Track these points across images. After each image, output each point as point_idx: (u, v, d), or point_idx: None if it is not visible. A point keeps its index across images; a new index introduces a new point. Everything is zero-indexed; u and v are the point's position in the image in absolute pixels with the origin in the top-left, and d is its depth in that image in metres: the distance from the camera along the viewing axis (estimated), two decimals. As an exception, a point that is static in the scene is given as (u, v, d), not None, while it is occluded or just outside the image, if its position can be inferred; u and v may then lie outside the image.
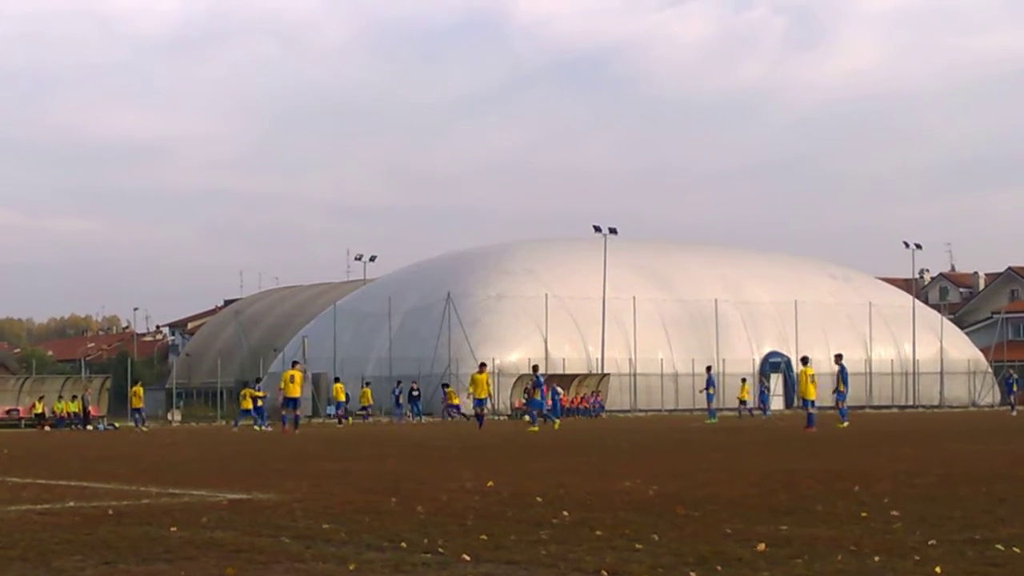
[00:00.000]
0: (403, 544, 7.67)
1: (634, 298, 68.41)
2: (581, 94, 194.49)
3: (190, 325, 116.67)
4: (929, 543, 7.44)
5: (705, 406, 50.55)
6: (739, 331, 73.05)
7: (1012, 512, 9.26)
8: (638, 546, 7.44)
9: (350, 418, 52.50)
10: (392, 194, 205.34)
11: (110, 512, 9.99)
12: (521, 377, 55.58)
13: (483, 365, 40.39)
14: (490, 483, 12.48)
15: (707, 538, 7.78)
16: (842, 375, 34.81)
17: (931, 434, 27.71)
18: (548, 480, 13.03)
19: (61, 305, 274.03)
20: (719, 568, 6.58)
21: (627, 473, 14.01)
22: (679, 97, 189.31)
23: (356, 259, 72.56)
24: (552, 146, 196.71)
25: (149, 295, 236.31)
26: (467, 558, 7.05)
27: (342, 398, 53.32)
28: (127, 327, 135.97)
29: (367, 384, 58.10)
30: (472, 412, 38.02)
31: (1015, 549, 7.17)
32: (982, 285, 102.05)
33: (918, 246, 76.62)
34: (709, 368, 52.53)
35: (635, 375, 68.50)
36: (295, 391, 36.53)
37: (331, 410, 62.13)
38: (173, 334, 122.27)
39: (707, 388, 49.67)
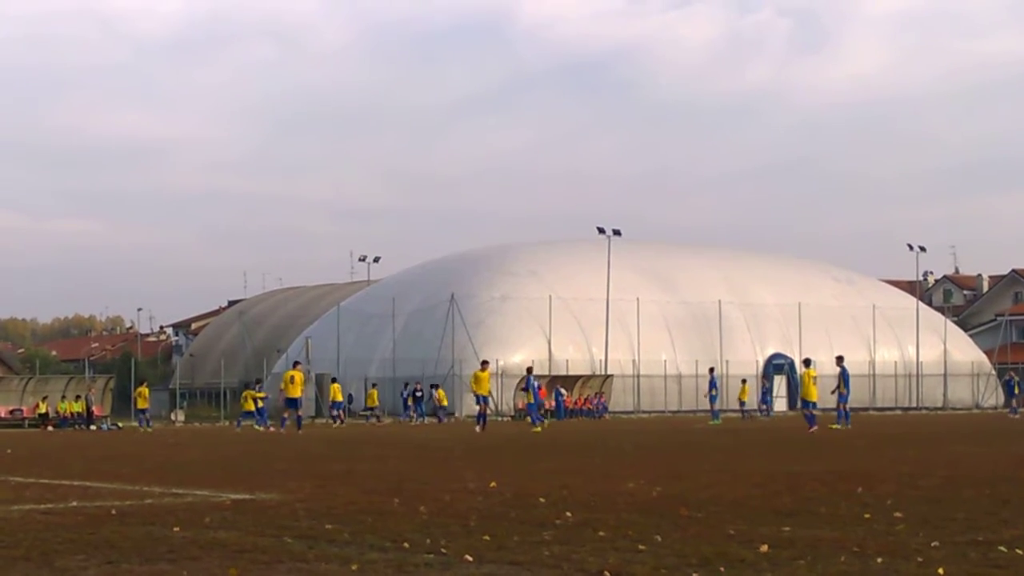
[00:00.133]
0: (406, 544, 7.67)
1: (638, 299, 68.40)
2: (584, 97, 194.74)
3: (194, 326, 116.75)
4: (932, 545, 7.44)
5: (708, 408, 50.69)
6: (743, 333, 73.03)
7: (1015, 514, 9.25)
8: (641, 547, 7.44)
9: (338, 419, 52.26)
10: (393, 196, 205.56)
11: (113, 512, 9.99)
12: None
13: (485, 363, 40.41)
14: (493, 484, 12.48)
15: (710, 539, 7.78)
16: (843, 377, 34.82)
17: (935, 436, 27.70)
18: (551, 481, 13.03)
19: (65, 305, 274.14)
20: (722, 569, 6.58)
21: (630, 474, 14.00)
22: (683, 100, 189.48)
23: (360, 260, 72.63)
24: (554, 149, 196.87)
25: (153, 296, 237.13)
26: (470, 559, 7.05)
27: (340, 398, 53.28)
28: (131, 327, 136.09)
29: (373, 385, 58.14)
30: (478, 411, 37.79)
31: (1018, 551, 7.17)
32: (986, 287, 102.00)
33: (922, 248, 76.64)
34: (712, 370, 52.61)
35: (639, 376, 68.48)
36: (295, 392, 36.56)
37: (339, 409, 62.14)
38: (177, 335, 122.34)
39: (710, 390, 49.72)
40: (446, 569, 6.71)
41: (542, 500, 10.61)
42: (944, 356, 77.13)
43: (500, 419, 55.61)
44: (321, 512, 9.77)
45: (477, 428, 35.02)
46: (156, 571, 6.75)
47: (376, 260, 71.16)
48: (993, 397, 76.62)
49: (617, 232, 67.89)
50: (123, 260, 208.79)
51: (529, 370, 40.90)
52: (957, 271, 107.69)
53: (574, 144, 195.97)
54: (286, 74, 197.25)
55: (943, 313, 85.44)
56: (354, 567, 6.78)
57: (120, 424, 53.62)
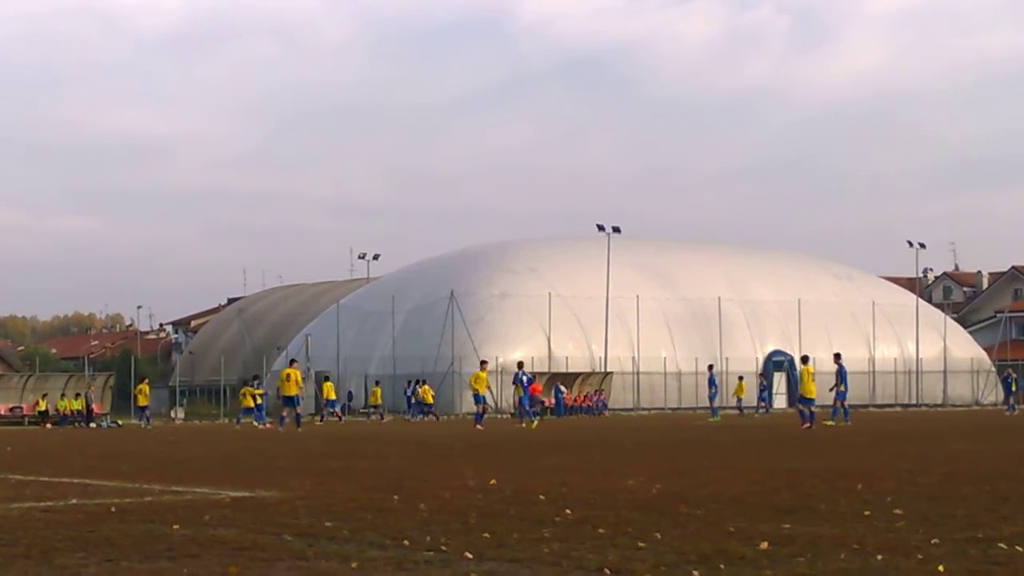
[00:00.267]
0: (406, 542, 7.67)
1: (637, 296, 68.40)
2: (584, 94, 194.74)
3: (193, 323, 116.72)
4: (932, 542, 7.44)
5: (708, 405, 50.76)
6: (742, 330, 73.04)
7: (1015, 511, 9.25)
8: (641, 544, 7.43)
9: (332, 416, 52.20)
10: (393, 193, 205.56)
11: (113, 510, 9.99)
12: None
13: (484, 363, 40.62)
14: (493, 481, 12.48)
15: (710, 536, 7.78)
16: (841, 374, 34.80)
17: (934, 433, 27.70)
18: (551, 478, 13.03)
19: (65, 303, 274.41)
20: (722, 566, 6.58)
21: (630, 471, 14.00)
22: (683, 97, 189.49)
23: (360, 257, 72.63)
24: (554, 145, 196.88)
25: (152, 293, 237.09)
26: (469, 556, 7.05)
27: (332, 396, 53.19)
28: (131, 325, 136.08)
29: (377, 383, 58.10)
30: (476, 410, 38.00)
31: (1018, 548, 7.17)
32: (985, 284, 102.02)
33: (922, 245, 76.70)
34: (711, 367, 52.64)
35: (638, 374, 68.49)
36: (291, 389, 36.59)
37: (335, 407, 62.09)
38: (176, 332, 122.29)
39: (710, 387, 49.76)
40: (446, 566, 6.71)
41: (542, 497, 10.61)
42: (944, 353, 77.16)
43: (500, 416, 55.60)
44: (321, 509, 9.77)
45: (478, 426, 35.14)
46: (156, 569, 6.75)
47: (376, 257, 71.20)
48: (993, 394, 76.60)
49: (617, 229, 67.91)
50: (123, 257, 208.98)
51: (520, 365, 40.95)
52: (957, 268, 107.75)
53: (574, 141, 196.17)
54: (286, 71, 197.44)
55: (943, 310, 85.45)
56: (354, 565, 6.78)
57: (120, 422, 53.62)
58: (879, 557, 6.85)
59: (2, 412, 54.63)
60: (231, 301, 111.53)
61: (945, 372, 76.50)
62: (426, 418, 52.75)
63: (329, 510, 9.71)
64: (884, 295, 79.75)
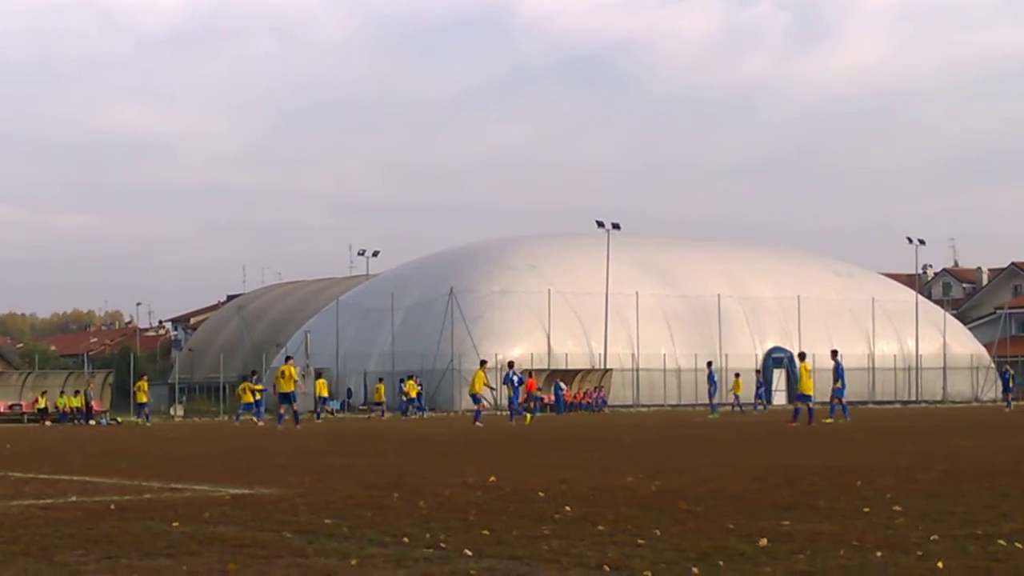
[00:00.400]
0: (405, 539, 7.67)
1: (637, 293, 68.39)
2: (584, 90, 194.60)
3: (192, 320, 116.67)
4: (931, 538, 7.44)
5: (708, 402, 50.78)
6: (742, 326, 73.03)
7: (1014, 507, 9.26)
8: (640, 541, 7.44)
9: (325, 413, 52.11)
10: (393, 190, 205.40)
11: (112, 507, 9.99)
12: (524, 372, 55.49)
13: (483, 362, 40.73)
14: (492, 478, 12.49)
15: (709, 533, 7.78)
16: (837, 370, 34.78)
17: (934, 430, 27.71)
18: (550, 475, 13.04)
19: (64, 300, 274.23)
20: (721, 563, 6.58)
21: (629, 468, 14.01)
22: (682, 93, 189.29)
23: (359, 254, 72.65)
24: (554, 142, 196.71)
25: (152, 290, 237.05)
26: (469, 553, 7.05)
27: (325, 393, 53.11)
28: (130, 322, 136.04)
29: (380, 380, 58.04)
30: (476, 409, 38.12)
31: (1017, 544, 7.17)
32: (985, 280, 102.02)
33: (921, 242, 76.66)
34: (710, 364, 52.62)
35: (638, 370, 68.49)
36: (287, 386, 36.65)
37: (335, 404, 62.09)
38: (176, 329, 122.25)
39: (709, 384, 49.70)
40: (445, 563, 6.71)
41: (541, 494, 10.61)
42: (943, 349, 77.15)
43: (499, 413, 55.58)
44: (320, 507, 9.78)
45: (477, 423, 35.22)
46: (155, 566, 6.75)
47: (375, 254, 71.16)
48: (992, 390, 76.59)
49: (616, 226, 67.88)
50: (123, 254, 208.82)
51: (510, 364, 41.01)
52: (956, 264, 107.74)
53: (574, 138, 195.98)
54: (287, 68, 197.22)
55: (942, 306, 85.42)
56: (353, 562, 6.78)
57: (119, 419, 53.62)
58: (878, 554, 6.85)
59: (1, 409, 54.59)
60: (230, 298, 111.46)
61: (945, 368, 76.50)
62: (424, 415, 52.72)
63: (329, 507, 9.72)
64: (884, 291, 79.73)
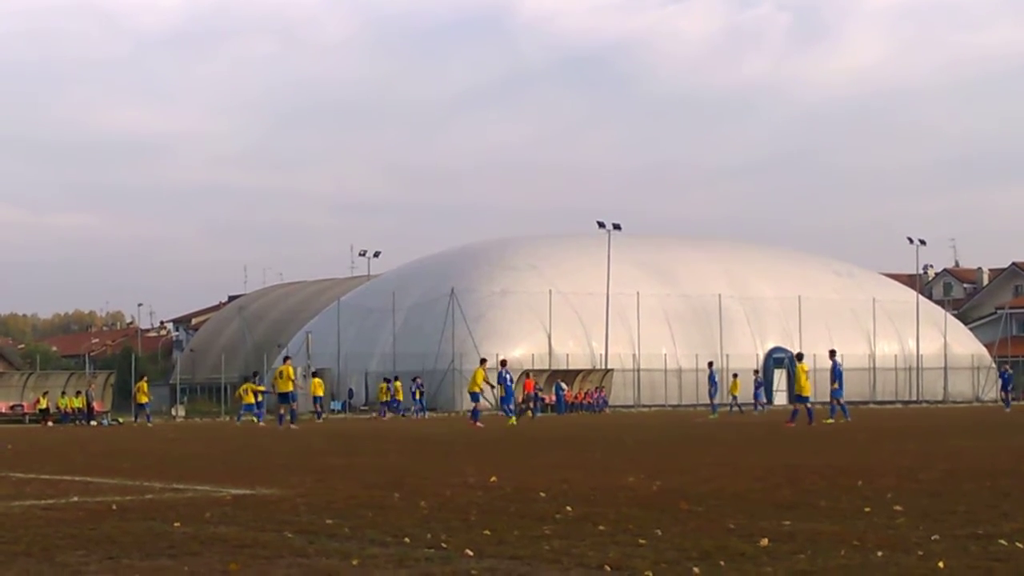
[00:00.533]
0: (406, 539, 7.67)
1: (638, 293, 68.39)
2: (584, 90, 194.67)
3: (194, 321, 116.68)
4: (932, 538, 7.44)
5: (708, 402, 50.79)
6: (743, 327, 73.02)
7: (1016, 507, 9.26)
8: (641, 541, 7.44)
9: (317, 414, 52.07)
10: (393, 190, 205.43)
11: (114, 507, 10.00)
12: (524, 373, 55.55)
13: (483, 361, 40.73)
14: (493, 478, 12.49)
15: (710, 533, 7.79)
16: (835, 371, 34.74)
17: (935, 429, 27.70)
18: (551, 475, 13.03)
19: (65, 301, 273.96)
20: (722, 563, 6.58)
21: (630, 468, 14.01)
22: (682, 93, 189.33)
23: (360, 255, 72.71)
24: (554, 142, 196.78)
25: (153, 291, 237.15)
26: (470, 553, 7.05)
27: (320, 393, 53.09)
28: (131, 323, 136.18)
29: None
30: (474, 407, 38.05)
31: (1018, 544, 7.17)
32: (986, 280, 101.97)
33: (922, 242, 76.70)
34: (711, 364, 52.62)
35: (639, 371, 68.50)
36: (286, 386, 36.66)
37: (336, 405, 62.09)
38: (177, 330, 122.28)
39: (710, 384, 49.69)
40: (446, 563, 6.72)
41: (542, 495, 10.61)
42: (944, 349, 77.14)
43: (498, 413, 55.55)
44: (321, 507, 9.78)
45: (477, 424, 35.19)
46: (157, 566, 6.75)
47: (376, 255, 71.17)
48: (993, 390, 76.56)
49: (617, 226, 67.88)
50: (123, 255, 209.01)
51: (503, 363, 41.02)
52: (957, 264, 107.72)
53: (574, 138, 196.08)
54: (287, 68, 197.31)
55: (943, 306, 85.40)
56: (355, 562, 6.78)
57: (120, 419, 53.62)
58: (879, 553, 6.85)
59: (3, 410, 54.63)
60: (232, 299, 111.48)
61: (945, 369, 76.49)
62: (426, 415, 52.73)
63: (330, 507, 9.72)
64: (884, 292, 79.72)
